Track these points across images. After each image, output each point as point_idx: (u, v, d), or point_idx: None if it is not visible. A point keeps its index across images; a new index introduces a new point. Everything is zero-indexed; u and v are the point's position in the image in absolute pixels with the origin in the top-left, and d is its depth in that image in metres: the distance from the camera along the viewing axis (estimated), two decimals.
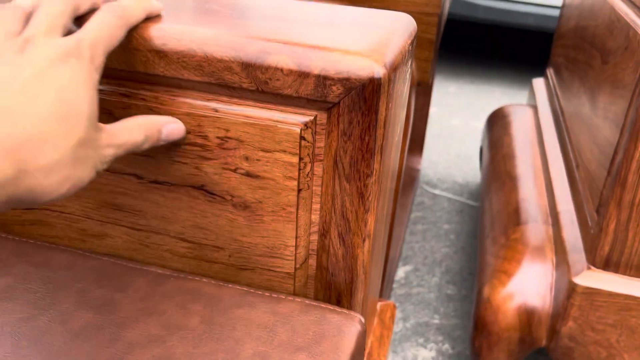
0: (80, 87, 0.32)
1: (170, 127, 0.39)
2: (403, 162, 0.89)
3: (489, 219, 1.02)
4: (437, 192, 1.51)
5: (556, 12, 2.03)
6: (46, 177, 0.30)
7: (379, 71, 0.36)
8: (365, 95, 0.36)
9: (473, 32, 2.85)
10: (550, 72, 1.31)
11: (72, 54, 0.32)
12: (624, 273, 0.69)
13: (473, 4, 2.07)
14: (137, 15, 0.37)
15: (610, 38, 0.80)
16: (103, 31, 0.34)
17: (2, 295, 0.42)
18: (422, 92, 1.02)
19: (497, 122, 1.35)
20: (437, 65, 2.40)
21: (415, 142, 1.47)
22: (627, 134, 0.64)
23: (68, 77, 0.31)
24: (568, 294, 0.71)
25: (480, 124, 1.93)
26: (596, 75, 0.84)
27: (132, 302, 0.42)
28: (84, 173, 0.32)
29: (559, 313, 0.74)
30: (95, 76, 0.33)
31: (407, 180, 1.36)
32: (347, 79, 0.36)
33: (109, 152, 0.34)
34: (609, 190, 0.67)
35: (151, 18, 0.39)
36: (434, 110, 2.01)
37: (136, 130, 0.36)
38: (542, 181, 1.02)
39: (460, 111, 2.01)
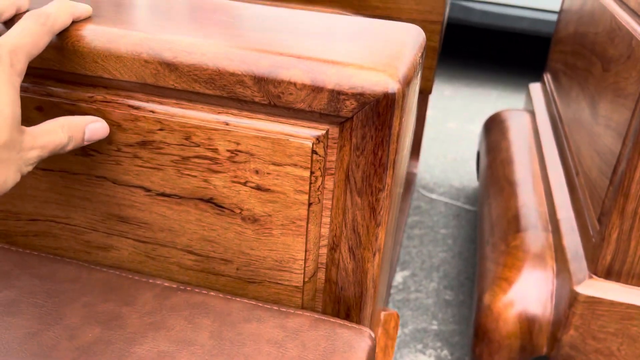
0: (1, 90, 0.32)
1: (93, 127, 0.39)
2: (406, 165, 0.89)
3: (488, 225, 1.02)
4: (434, 196, 1.51)
5: (550, 17, 2.04)
6: None
7: (393, 86, 0.35)
8: (379, 110, 0.36)
9: (469, 36, 2.86)
10: (547, 77, 1.31)
11: None
12: (626, 282, 0.69)
13: (469, 8, 2.07)
14: (63, 21, 0.37)
15: (612, 46, 0.80)
16: (24, 38, 0.34)
17: (7, 310, 0.41)
18: (421, 96, 1.01)
19: (495, 127, 1.35)
20: None
21: (412, 146, 1.47)
22: (631, 143, 0.64)
23: None
24: (570, 302, 0.71)
25: (476, 127, 1.93)
26: (596, 82, 0.85)
27: (140, 316, 0.42)
28: (7, 176, 0.33)
29: (561, 321, 0.74)
30: (17, 80, 0.34)
31: (405, 184, 1.35)
32: (361, 94, 0.35)
33: (33, 155, 0.35)
34: (611, 199, 0.68)
35: (81, 21, 0.40)
36: (430, 113, 2.01)
37: (59, 131, 0.37)
38: (541, 187, 1.02)
39: (456, 114, 2.01)
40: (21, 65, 0.34)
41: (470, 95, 2.17)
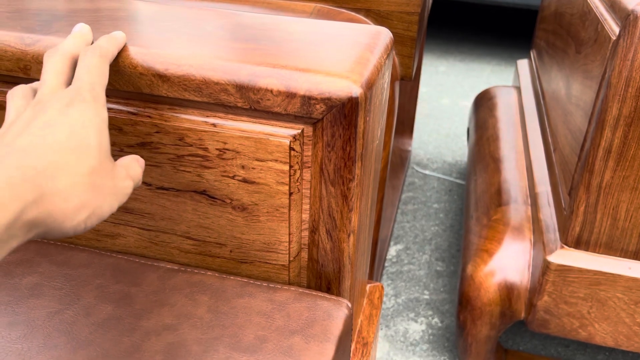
0: (87, 123, 0.36)
1: (141, 161, 0.43)
2: (389, 148, 0.94)
3: (473, 200, 1.07)
4: (427, 172, 1.57)
5: None
6: (65, 201, 0.34)
7: (356, 91, 0.41)
8: (345, 112, 0.41)
9: (463, 11, 2.88)
10: (533, 54, 1.36)
11: (76, 99, 0.37)
12: (594, 251, 0.75)
13: None
14: (112, 52, 0.42)
15: (583, 29, 0.84)
16: (94, 73, 0.39)
17: (31, 293, 0.48)
18: (402, 82, 1.06)
19: (483, 104, 1.40)
20: (427, 44, 2.44)
21: (405, 124, 1.52)
22: (594, 123, 0.69)
23: (75, 117, 0.36)
24: (543, 271, 0.77)
25: (469, 103, 1.97)
26: (571, 63, 0.89)
27: (146, 295, 0.48)
28: (103, 202, 0.36)
29: (536, 288, 0.80)
30: (103, 113, 0.38)
31: (398, 162, 1.41)
32: (329, 99, 0.41)
33: (128, 184, 0.38)
34: (579, 174, 0.73)
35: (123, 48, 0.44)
36: (424, 90, 2.05)
37: (136, 164, 0.40)
38: (523, 163, 1.08)
39: (450, 90, 2.05)
40: (102, 98, 0.38)
41: (464, 71, 2.21)
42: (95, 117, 0.37)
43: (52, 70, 0.39)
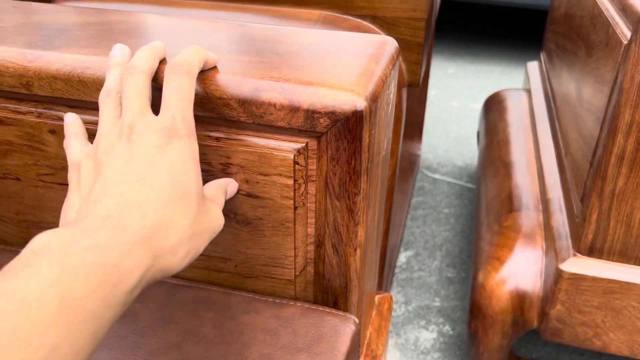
0: (186, 165, 0.36)
1: (232, 185, 0.44)
2: (397, 156, 0.93)
3: (483, 206, 1.06)
4: (437, 176, 1.55)
5: None
6: (173, 257, 0.34)
7: (360, 104, 0.40)
8: (349, 126, 0.40)
9: (472, 12, 2.86)
10: (543, 56, 1.34)
11: (172, 135, 0.36)
12: (607, 259, 0.74)
13: None
14: (198, 67, 0.40)
15: (594, 31, 0.83)
16: (185, 99, 0.37)
17: None
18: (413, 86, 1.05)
19: (493, 107, 1.38)
20: (435, 47, 2.42)
21: (414, 128, 1.50)
22: (606, 129, 0.68)
23: (175, 158, 0.35)
24: (555, 279, 0.76)
25: (479, 105, 1.95)
26: (582, 66, 0.88)
27: (151, 312, 0.47)
28: (200, 244, 0.37)
29: (548, 297, 0.78)
30: (195, 146, 0.37)
31: (407, 166, 1.40)
32: (333, 112, 0.40)
33: (221, 222, 0.39)
34: (591, 181, 0.72)
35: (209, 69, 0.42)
36: (433, 92, 2.04)
37: (221, 192, 0.41)
38: (534, 168, 1.06)
39: (459, 92, 2.04)
40: (193, 126, 0.37)
41: (473, 73, 2.19)
42: (191, 155, 0.36)
43: (135, 89, 0.37)
